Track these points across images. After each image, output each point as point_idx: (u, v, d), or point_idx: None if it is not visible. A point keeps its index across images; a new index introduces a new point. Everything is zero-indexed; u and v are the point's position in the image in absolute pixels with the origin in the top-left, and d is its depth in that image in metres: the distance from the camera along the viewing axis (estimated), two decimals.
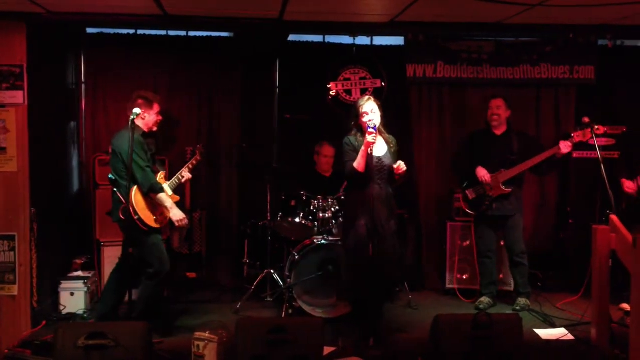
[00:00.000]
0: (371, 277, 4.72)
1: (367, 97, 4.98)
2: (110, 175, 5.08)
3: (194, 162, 5.58)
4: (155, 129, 5.26)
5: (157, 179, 5.15)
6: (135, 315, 5.04)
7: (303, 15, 5.64)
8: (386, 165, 4.87)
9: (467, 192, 5.98)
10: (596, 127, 5.43)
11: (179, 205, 5.16)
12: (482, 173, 5.82)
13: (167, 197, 5.08)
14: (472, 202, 5.95)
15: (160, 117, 5.25)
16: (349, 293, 5.12)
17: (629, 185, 5.79)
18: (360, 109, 4.86)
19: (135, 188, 4.96)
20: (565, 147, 5.57)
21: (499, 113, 5.90)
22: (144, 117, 5.10)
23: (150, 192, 5.01)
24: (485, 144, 5.97)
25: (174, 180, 5.39)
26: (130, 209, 4.89)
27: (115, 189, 5.02)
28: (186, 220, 5.16)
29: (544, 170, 5.90)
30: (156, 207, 5.09)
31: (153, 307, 5.13)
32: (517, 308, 5.81)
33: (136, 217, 4.91)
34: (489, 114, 5.96)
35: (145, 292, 5.10)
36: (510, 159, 5.80)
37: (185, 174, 5.45)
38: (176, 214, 5.07)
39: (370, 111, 4.82)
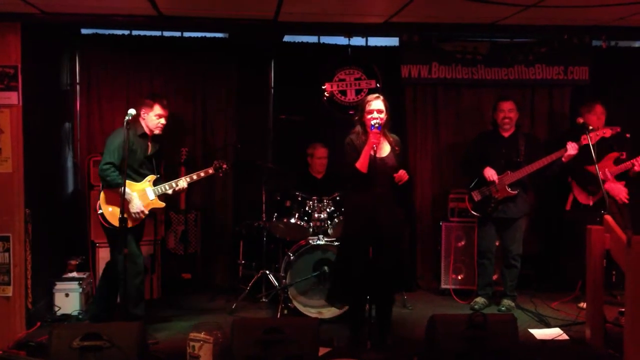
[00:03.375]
0: (366, 283, 4.64)
1: (376, 94, 4.82)
2: None
3: (203, 174, 5.29)
4: (157, 131, 5.16)
5: (143, 181, 5.09)
6: (125, 313, 4.93)
7: (298, 16, 5.64)
8: (389, 168, 4.72)
9: (473, 193, 5.94)
10: (604, 130, 5.54)
11: (174, 206, 5.08)
12: (490, 173, 5.77)
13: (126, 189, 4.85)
14: (478, 203, 5.90)
15: (162, 121, 5.15)
16: (334, 298, 5.06)
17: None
18: (367, 106, 4.72)
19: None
20: (572, 148, 5.56)
21: (511, 116, 5.85)
22: (144, 118, 5.12)
23: (109, 187, 4.97)
24: (492, 145, 5.92)
25: (164, 185, 5.14)
26: (97, 203, 5.02)
27: None
28: (142, 214, 5.01)
29: (549, 173, 5.83)
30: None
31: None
32: (503, 309, 5.81)
33: (99, 212, 5.00)
34: (500, 117, 5.88)
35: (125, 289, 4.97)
36: (517, 161, 5.77)
37: (182, 183, 5.17)
38: (133, 205, 4.95)
39: (377, 110, 4.67)
